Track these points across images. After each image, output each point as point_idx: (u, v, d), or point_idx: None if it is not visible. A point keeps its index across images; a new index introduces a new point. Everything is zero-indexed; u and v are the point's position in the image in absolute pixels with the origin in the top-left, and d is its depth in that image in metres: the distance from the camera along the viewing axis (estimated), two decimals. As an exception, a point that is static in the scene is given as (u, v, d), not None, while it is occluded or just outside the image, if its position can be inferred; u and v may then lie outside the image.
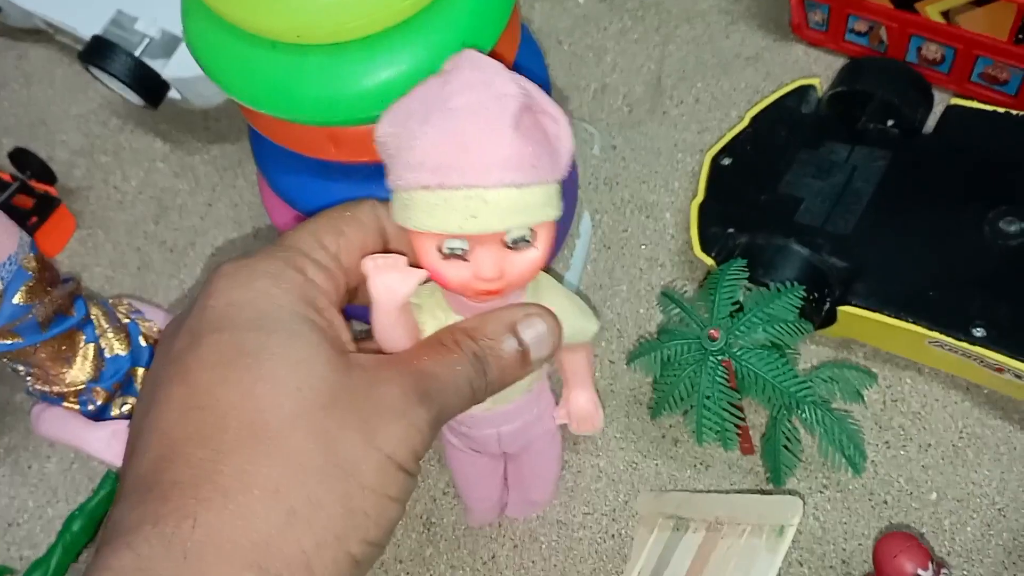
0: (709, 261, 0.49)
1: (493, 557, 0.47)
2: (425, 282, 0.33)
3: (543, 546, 0.46)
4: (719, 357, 0.40)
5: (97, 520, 0.49)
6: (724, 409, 0.40)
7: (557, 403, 0.42)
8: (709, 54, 0.64)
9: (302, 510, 0.26)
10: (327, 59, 0.36)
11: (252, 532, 0.25)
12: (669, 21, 0.66)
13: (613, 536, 0.46)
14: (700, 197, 0.52)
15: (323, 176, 0.43)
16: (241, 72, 0.37)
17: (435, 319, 0.35)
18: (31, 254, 0.42)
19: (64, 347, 0.44)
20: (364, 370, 0.30)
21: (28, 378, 0.45)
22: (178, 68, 0.57)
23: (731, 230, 0.50)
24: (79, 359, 0.44)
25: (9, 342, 0.42)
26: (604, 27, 0.67)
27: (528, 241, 0.32)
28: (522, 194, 0.30)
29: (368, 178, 0.43)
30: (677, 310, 0.43)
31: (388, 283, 0.33)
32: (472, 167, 0.30)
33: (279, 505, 0.26)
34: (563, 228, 0.53)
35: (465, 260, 0.32)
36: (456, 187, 0.30)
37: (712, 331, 0.40)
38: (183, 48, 0.57)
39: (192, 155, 0.66)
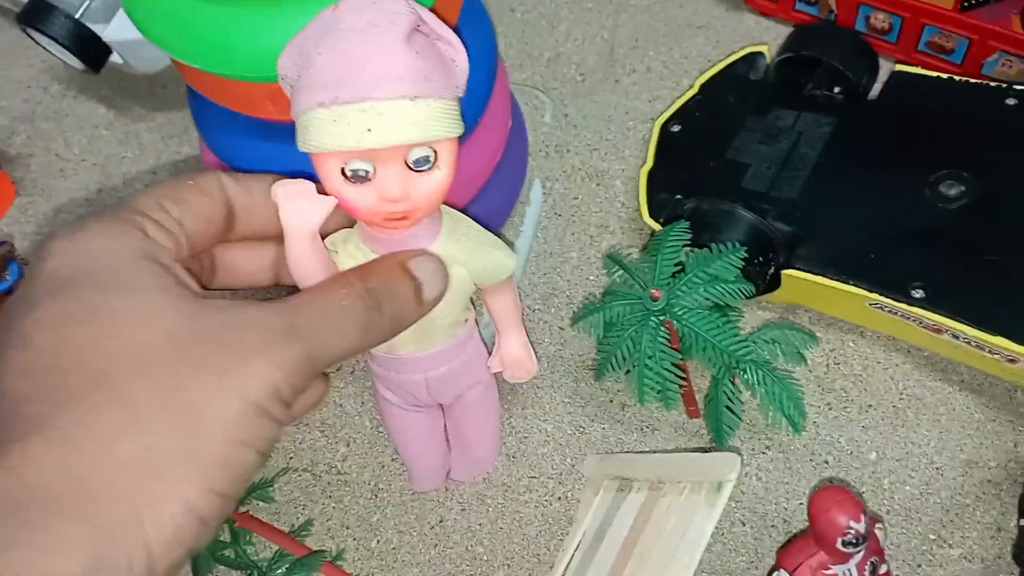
0: (657, 227, 0.50)
1: (441, 521, 0.47)
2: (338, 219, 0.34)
3: (490, 508, 0.46)
4: (660, 317, 0.40)
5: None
6: (666, 369, 0.40)
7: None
8: (661, 23, 0.64)
9: (137, 459, 0.24)
10: (263, 12, 0.35)
11: (80, 485, 0.24)
12: (622, -11, 0.66)
13: (559, 499, 0.46)
14: (649, 164, 0.52)
15: (262, 136, 0.43)
16: (176, 27, 0.36)
17: (353, 260, 0.35)
18: None
19: None
20: (223, 312, 0.28)
21: None
22: (119, 31, 0.56)
23: (679, 196, 0.50)
24: None
25: None
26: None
27: (431, 162, 0.32)
28: (416, 106, 0.31)
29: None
30: (621, 272, 0.43)
31: (299, 209, 0.33)
32: (364, 80, 0.31)
33: (113, 455, 0.24)
34: (512, 195, 0.53)
35: (369, 183, 0.32)
36: (350, 101, 0.31)
37: (653, 291, 0.40)
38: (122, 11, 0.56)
39: (136, 122, 0.64)
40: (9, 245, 0.44)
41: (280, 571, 0.44)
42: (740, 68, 0.56)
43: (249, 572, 0.44)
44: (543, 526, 0.45)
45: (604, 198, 0.55)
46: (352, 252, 0.36)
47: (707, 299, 0.40)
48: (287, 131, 0.41)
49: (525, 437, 0.48)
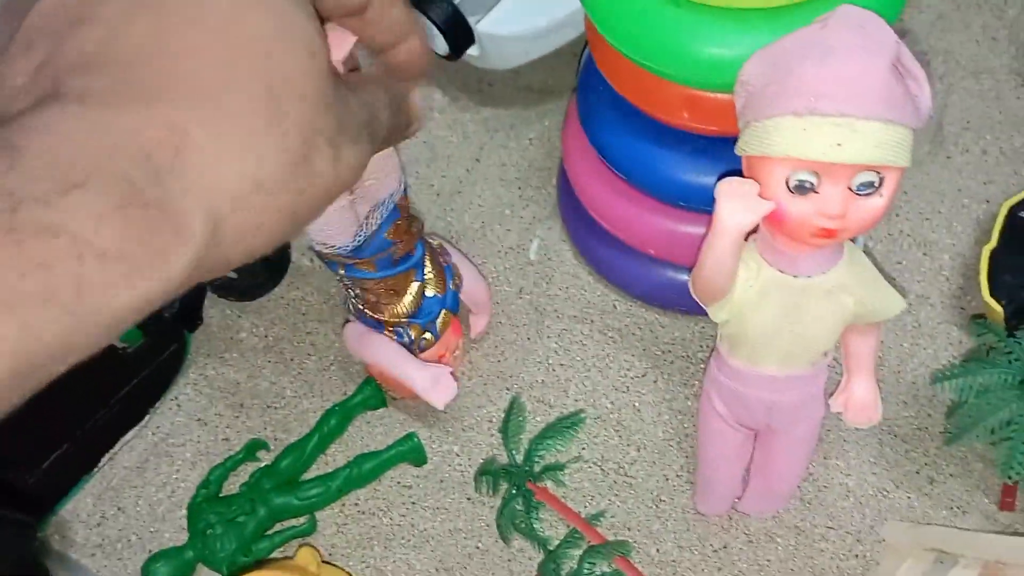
0: (997, 307, 0.48)
1: (724, 547, 0.46)
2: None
3: (779, 548, 0.46)
4: (1042, 394, 0.39)
5: (350, 419, 0.51)
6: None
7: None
8: (996, 110, 0.63)
9: (271, 190, 0.22)
10: (724, 24, 0.37)
11: (228, 182, 0.21)
12: (956, 71, 0.65)
13: (856, 556, 0.45)
14: (993, 244, 0.51)
15: (653, 141, 0.45)
16: (639, 27, 0.38)
17: (747, 268, 0.36)
18: (405, 195, 0.45)
19: (400, 283, 0.46)
20: (339, 79, 0.24)
21: (358, 302, 0.48)
22: (493, 25, 0.60)
23: (1026, 282, 0.49)
24: (407, 296, 0.47)
25: (366, 271, 0.44)
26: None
27: (874, 187, 0.33)
28: (887, 130, 0.32)
29: (697, 150, 0.44)
30: (988, 338, 0.42)
31: (736, 208, 0.34)
32: (846, 97, 0.32)
33: (259, 172, 0.22)
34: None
35: (811, 196, 0.33)
36: (827, 114, 0.31)
37: (1045, 365, 0.39)
38: (502, 6, 0.60)
39: (464, 112, 0.69)
40: (421, 224, 0.47)
41: (572, 552, 0.45)
42: (1101, 168, 0.54)
43: (540, 546, 0.46)
44: (838, 578, 0.44)
45: (929, 269, 0.54)
46: (748, 262, 0.37)
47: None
48: (682, 138, 0.44)
49: (824, 487, 0.48)
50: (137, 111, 0.20)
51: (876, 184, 0.33)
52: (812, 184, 0.33)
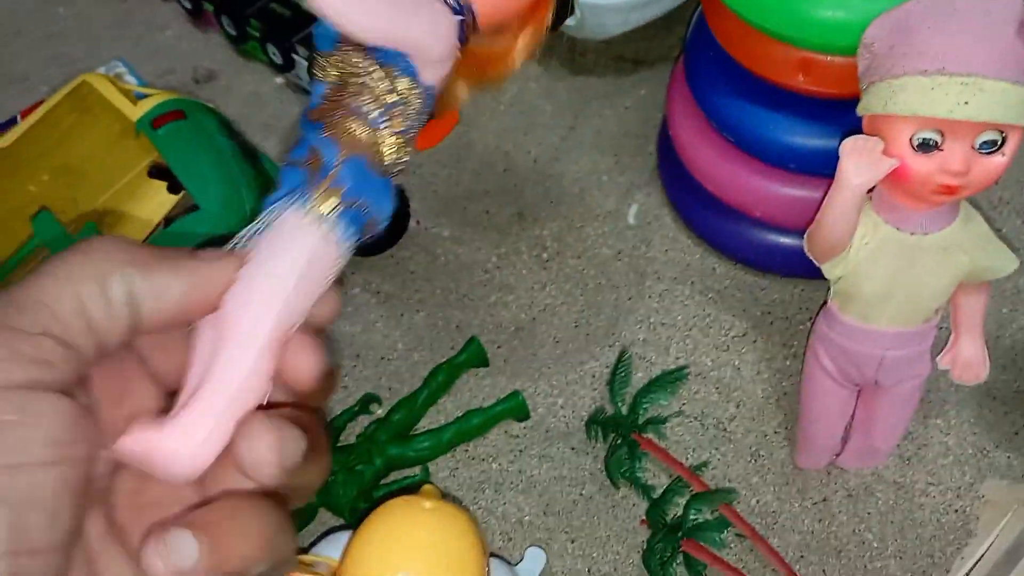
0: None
1: (824, 500, 0.48)
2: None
3: (880, 502, 0.47)
4: None
5: (456, 376, 0.54)
6: None
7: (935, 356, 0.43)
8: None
9: None
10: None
11: None
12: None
13: (956, 511, 0.46)
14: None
15: (764, 104, 0.46)
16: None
17: (863, 225, 0.38)
18: None
19: None
20: None
21: None
22: (594, -5, 0.61)
23: None
24: None
25: None
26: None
27: (996, 145, 0.34)
28: (1015, 90, 0.33)
29: (809, 112, 0.45)
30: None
31: (860, 164, 0.35)
32: (975, 56, 0.33)
33: None
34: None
35: (934, 154, 0.34)
36: (955, 73, 0.33)
37: None
38: (604, -23, 0.61)
39: (558, 81, 0.70)
40: None
41: (677, 500, 0.47)
42: None
43: (644, 493, 0.48)
44: (938, 531, 0.46)
45: (1029, 237, 0.55)
46: (864, 219, 0.39)
47: None
48: (799, 101, 0.45)
49: (924, 444, 0.49)
50: None
51: (999, 143, 0.34)
52: (936, 142, 0.35)
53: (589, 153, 0.65)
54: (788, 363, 0.52)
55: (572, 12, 0.63)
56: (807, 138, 0.46)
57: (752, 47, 0.43)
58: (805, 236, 0.40)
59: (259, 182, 0.52)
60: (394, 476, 0.51)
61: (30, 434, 0.18)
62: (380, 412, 0.53)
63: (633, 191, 0.61)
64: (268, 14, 0.69)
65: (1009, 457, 0.47)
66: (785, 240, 0.51)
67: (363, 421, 0.53)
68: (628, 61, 0.70)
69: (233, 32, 0.70)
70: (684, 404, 0.52)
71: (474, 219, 0.61)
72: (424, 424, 0.53)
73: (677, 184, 0.56)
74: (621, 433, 0.49)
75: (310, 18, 0.79)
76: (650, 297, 0.55)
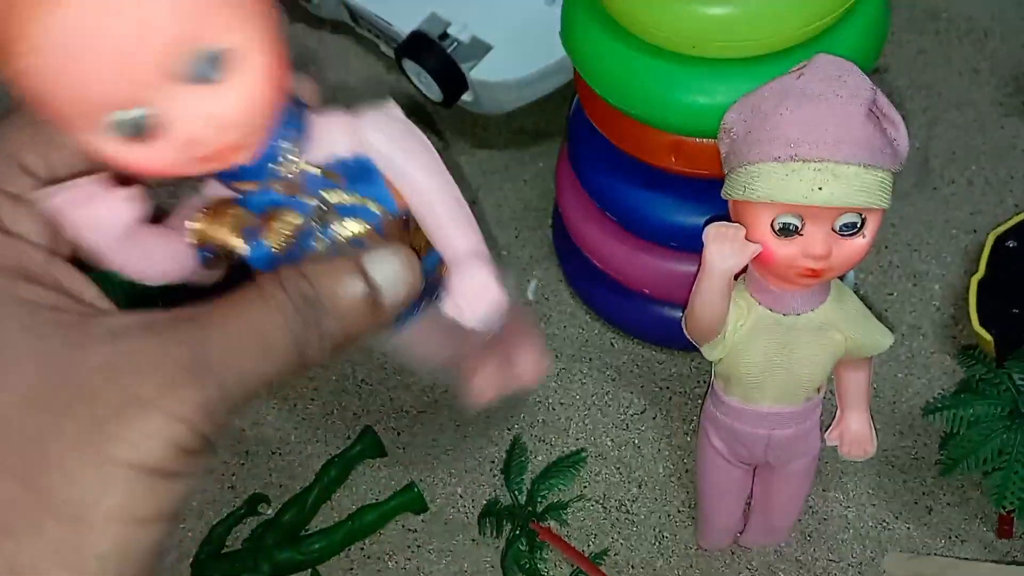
0: (987, 336, 0.49)
1: (728, 583, 0.47)
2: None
3: (782, 583, 0.46)
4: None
5: (349, 469, 0.52)
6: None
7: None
8: (980, 141, 0.64)
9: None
10: (706, 73, 0.38)
11: None
12: (939, 104, 0.66)
13: (858, 588, 0.45)
14: (981, 274, 0.52)
15: (643, 184, 0.46)
16: (621, 75, 0.40)
17: (737, 307, 0.37)
18: None
19: None
20: (112, 343, 0.20)
21: None
22: (486, 72, 0.61)
23: (1015, 310, 0.49)
24: None
25: None
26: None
27: (856, 227, 0.34)
28: (868, 174, 0.33)
29: (686, 192, 0.45)
30: (978, 369, 0.43)
31: (723, 251, 0.35)
32: (826, 142, 0.33)
33: None
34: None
35: (795, 238, 0.34)
36: (808, 159, 0.33)
37: (1033, 396, 0.39)
38: (492, 55, 0.62)
39: (459, 156, 0.70)
40: None
41: (577, 593, 0.45)
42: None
43: (544, 587, 0.46)
44: (841, 612, 0.45)
45: (919, 299, 0.55)
46: (737, 300, 0.38)
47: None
48: (673, 181, 0.45)
49: (824, 519, 0.48)
50: None
51: (858, 225, 0.34)
52: (796, 226, 0.34)
53: (489, 228, 0.64)
54: (688, 439, 0.51)
55: (467, 88, 0.63)
56: (687, 217, 0.45)
57: (624, 130, 0.43)
58: (682, 319, 0.40)
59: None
60: (284, 581, 0.49)
61: None
62: (270, 512, 0.51)
63: (533, 265, 0.60)
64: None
65: (909, 528, 0.47)
66: (678, 314, 0.51)
67: (252, 524, 0.50)
68: (528, 133, 0.70)
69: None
70: (586, 487, 0.51)
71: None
72: (317, 523, 0.50)
73: (571, 260, 0.56)
74: (519, 524, 0.47)
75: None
76: (548, 376, 0.54)
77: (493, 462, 0.52)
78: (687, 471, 0.51)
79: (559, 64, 0.59)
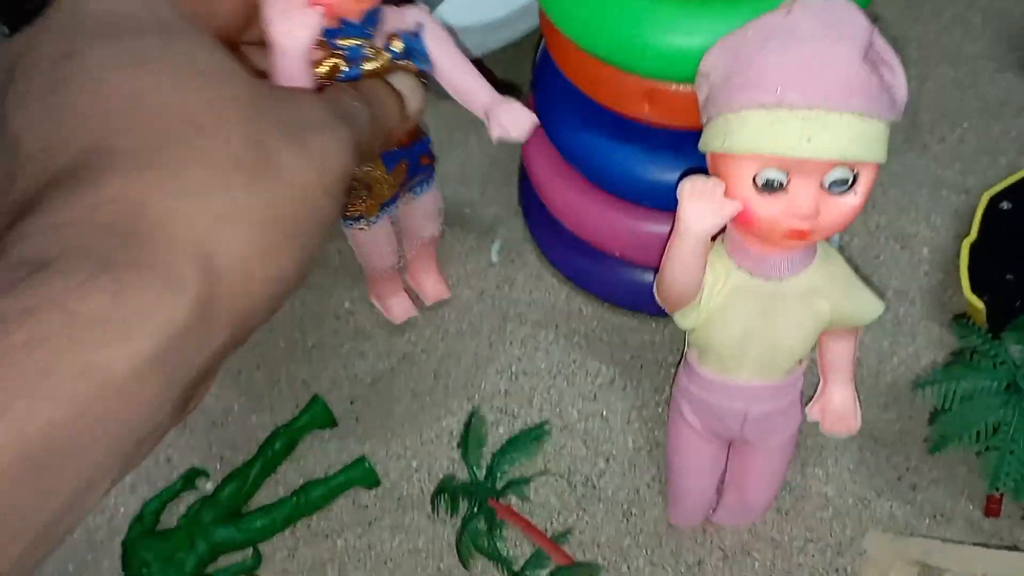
0: (978, 304, 0.46)
1: (699, 563, 0.44)
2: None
3: (756, 563, 0.44)
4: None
5: (296, 441, 0.48)
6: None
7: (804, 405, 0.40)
8: (972, 98, 0.61)
9: (245, 211, 0.23)
10: (683, 11, 0.34)
11: (197, 223, 0.22)
12: (929, 59, 0.63)
13: (837, 571, 0.43)
14: (973, 237, 0.49)
15: (614, 137, 0.42)
16: (591, 15, 0.36)
17: (714, 271, 0.34)
18: None
19: None
20: (279, 87, 0.28)
21: None
22: (448, 15, 0.57)
23: (1010, 276, 0.46)
24: None
25: None
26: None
27: (848, 185, 0.30)
28: (864, 123, 0.30)
29: (661, 145, 0.41)
30: (971, 340, 0.40)
31: (699, 210, 0.31)
32: (816, 88, 0.29)
33: (225, 201, 0.23)
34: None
35: (780, 195, 0.31)
36: (797, 106, 0.29)
37: (1032, 369, 0.36)
38: (455, -3, 0.57)
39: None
40: None
41: (538, 573, 0.42)
42: (1083, 155, 0.52)
43: (504, 568, 0.43)
44: (818, 595, 0.42)
45: (908, 263, 0.52)
46: (714, 262, 0.35)
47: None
48: (646, 133, 0.41)
49: (802, 496, 0.45)
50: (90, 193, 0.22)
51: (850, 181, 0.31)
52: (781, 182, 0.31)
53: (452, 185, 0.60)
54: (659, 410, 0.48)
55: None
56: (662, 172, 0.42)
57: (594, 76, 0.39)
58: (654, 284, 0.36)
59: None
60: (224, 561, 0.45)
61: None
62: (209, 487, 0.47)
63: (498, 225, 0.56)
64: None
65: (892, 506, 0.44)
66: (650, 278, 0.47)
67: (189, 499, 0.47)
68: (496, 85, 0.66)
69: None
70: (549, 461, 0.47)
71: (325, 259, 0.55)
72: (260, 498, 0.47)
73: (538, 220, 0.52)
74: (476, 501, 0.44)
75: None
76: (512, 343, 0.51)
77: (452, 434, 0.48)
78: (658, 444, 0.47)
79: (525, 8, 0.55)
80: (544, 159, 0.47)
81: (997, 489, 0.39)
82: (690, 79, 0.35)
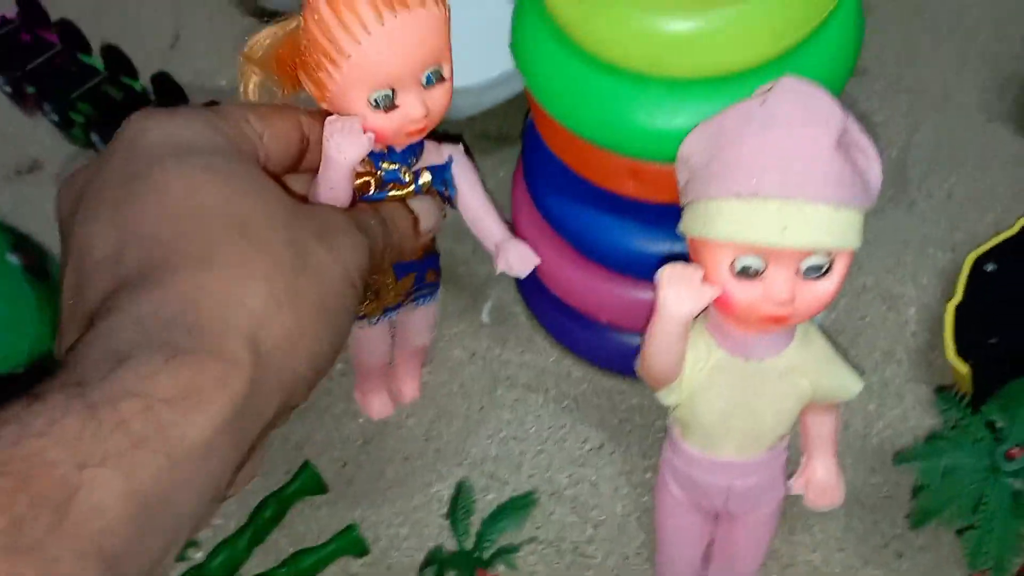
0: (963, 368, 0.46)
1: (687, 633, 0.44)
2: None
3: (745, 634, 0.43)
4: (1013, 480, 0.37)
5: (287, 508, 0.48)
6: (1009, 538, 0.37)
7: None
8: (962, 151, 0.61)
9: (285, 300, 0.28)
10: (668, 93, 0.35)
11: (246, 311, 0.27)
12: (919, 108, 0.63)
13: (825, 641, 0.43)
14: (958, 298, 0.49)
15: (600, 208, 0.43)
16: (574, 95, 0.36)
17: (696, 349, 0.34)
18: None
19: None
20: (310, 203, 0.34)
21: None
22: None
23: (993, 340, 0.47)
24: None
25: None
26: (848, 106, 0.65)
27: (822, 270, 0.31)
28: (837, 213, 0.30)
29: (646, 217, 0.42)
30: (958, 415, 0.40)
31: (680, 296, 0.32)
32: (791, 178, 0.30)
33: (268, 292, 0.28)
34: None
35: (757, 281, 0.31)
36: (772, 196, 0.29)
37: (1013, 450, 0.36)
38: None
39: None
40: None
41: (525, 648, 0.42)
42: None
43: (491, 640, 0.43)
44: (805, 667, 0.42)
45: (894, 324, 0.53)
46: (696, 341, 0.35)
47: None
48: (632, 207, 0.41)
49: (789, 565, 0.45)
50: (157, 292, 0.27)
51: (825, 267, 0.31)
52: (758, 269, 0.31)
53: (447, 242, 0.60)
54: (648, 475, 0.48)
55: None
56: (648, 244, 0.42)
57: (578, 152, 0.39)
58: (636, 361, 0.37)
59: (48, 306, 0.46)
60: (214, 631, 0.45)
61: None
62: (200, 556, 0.47)
63: (491, 283, 0.57)
64: (99, 97, 0.63)
65: (878, 574, 0.44)
66: (639, 343, 0.48)
67: (180, 568, 0.47)
68: (491, 138, 0.66)
69: (55, 118, 0.64)
70: (539, 528, 0.47)
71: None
72: (250, 567, 0.47)
73: (528, 281, 0.52)
74: (464, 572, 0.44)
75: (142, 102, 0.72)
76: (502, 407, 0.51)
77: (441, 500, 0.48)
78: (647, 510, 0.48)
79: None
80: (532, 224, 0.47)
81: (978, 568, 0.39)
82: (673, 158, 0.35)
